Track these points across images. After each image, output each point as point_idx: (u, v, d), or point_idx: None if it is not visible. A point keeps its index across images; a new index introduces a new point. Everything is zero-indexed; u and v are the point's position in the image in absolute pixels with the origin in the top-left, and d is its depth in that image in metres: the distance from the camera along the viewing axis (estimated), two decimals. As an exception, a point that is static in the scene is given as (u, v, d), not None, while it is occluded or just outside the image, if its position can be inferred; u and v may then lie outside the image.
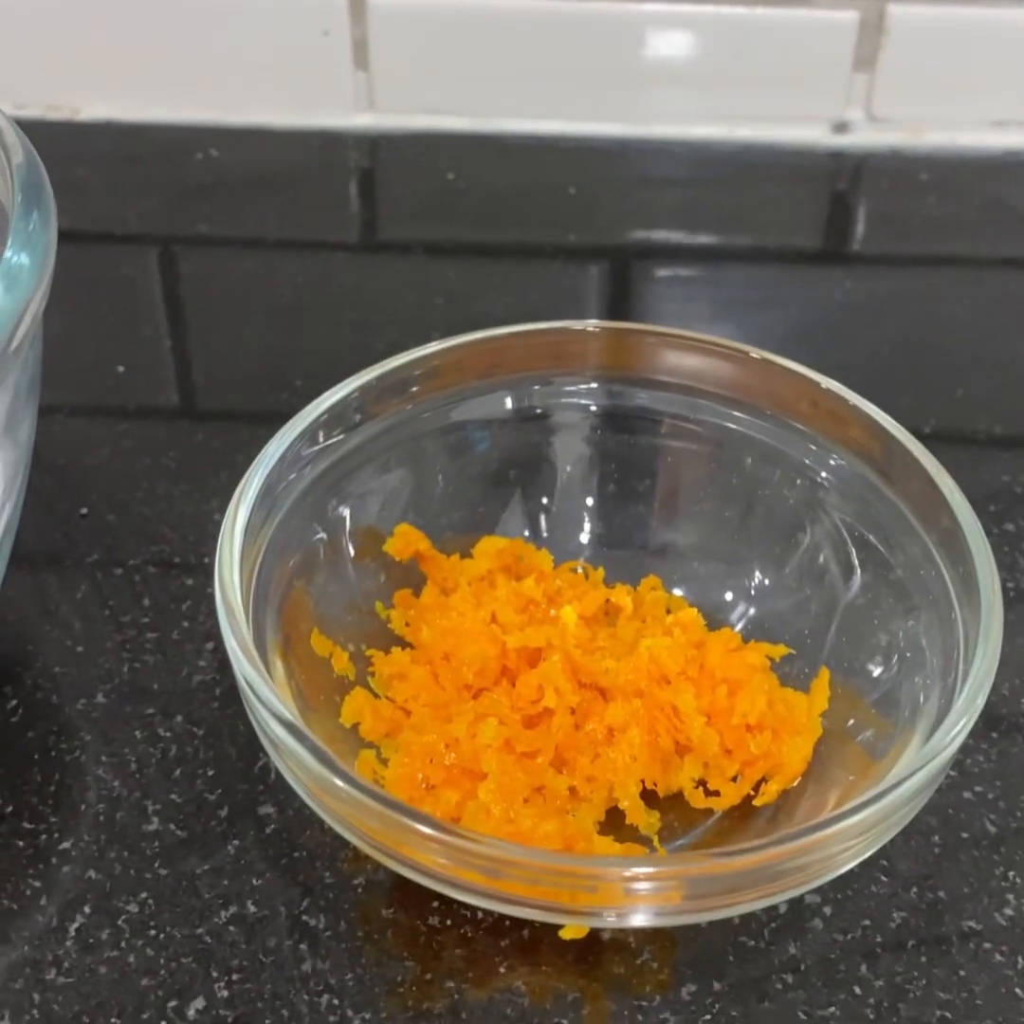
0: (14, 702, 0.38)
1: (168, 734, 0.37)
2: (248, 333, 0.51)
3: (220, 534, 0.33)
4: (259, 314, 0.52)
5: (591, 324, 0.38)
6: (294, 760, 0.30)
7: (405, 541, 0.38)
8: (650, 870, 0.29)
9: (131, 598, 0.40)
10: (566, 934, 0.31)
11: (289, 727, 0.30)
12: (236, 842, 0.35)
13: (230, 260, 0.55)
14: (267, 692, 0.30)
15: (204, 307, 0.53)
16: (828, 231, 0.59)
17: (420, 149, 0.61)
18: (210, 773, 0.36)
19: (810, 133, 0.61)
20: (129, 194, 0.58)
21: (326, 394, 0.36)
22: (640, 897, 0.29)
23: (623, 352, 0.38)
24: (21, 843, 0.35)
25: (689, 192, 0.60)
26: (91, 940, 0.33)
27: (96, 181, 0.59)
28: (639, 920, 0.30)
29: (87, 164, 0.60)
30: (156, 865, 0.34)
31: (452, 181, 0.59)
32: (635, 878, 0.29)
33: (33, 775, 0.36)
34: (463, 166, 0.60)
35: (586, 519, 0.39)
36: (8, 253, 0.30)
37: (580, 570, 0.39)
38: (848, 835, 0.29)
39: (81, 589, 0.41)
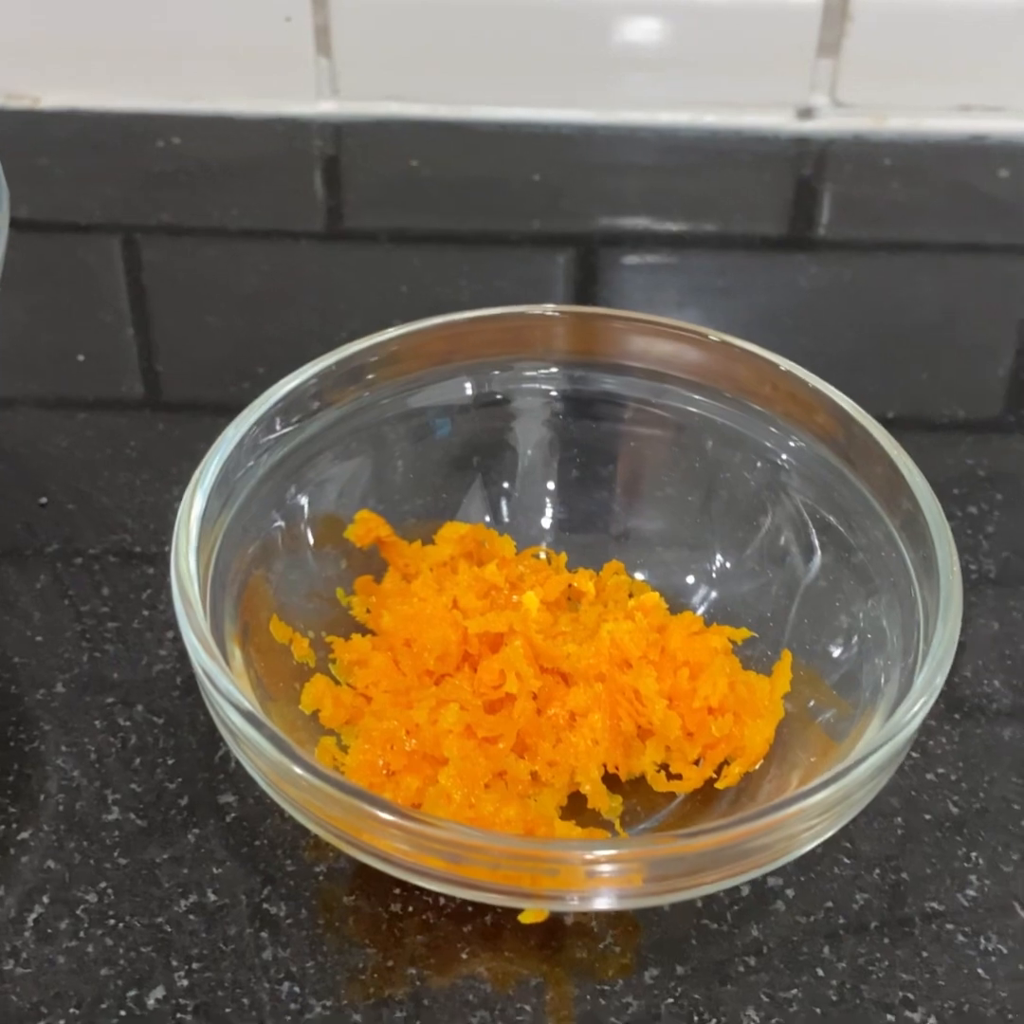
0: (-28, 693, 0.37)
1: (128, 723, 0.37)
2: (211, 322, 0.51)
3: (176, 522, 0.33)
4: (222, 303, 0.52)
5: (550, 309, 0.38)
6: (253, 748, 0.30)
7: (366, 528, 0.37)
8: (611, 852, 0.29)
9: (91, 587, 0.40)
10: (526, 918, 0.31)
11: (247, 715, 0.30)
12: (196, 831, 0.34)
13: (193, 248, 0.55)
14: (224, 681, 0.30)
15: (167, 296, 0.53)
16: (793, 217, 0.59)
17: (384, 136, 0.60)
18: (170, 762, 0.36)
19: (775, 119, 0.61)
20: (91, 183, 0.58)
21: (284, 381, 0.36)
22: (602, 880, 0.29)
23: (582, 336, 0.38)
24: (-22, 834, 0.34)
25: (655, 178, 0.60)
26: (49, 930, 0.32)
27: (58, 170, 0.59)
28: (602, 903, 0.30)
29: (48, 153, 0.59)
30: (116, 855, 0.34)
31: (416, 168, 0.59)
32: (597, 861, 0.29)
33: (-9, 766, 0.36)
34: (427, 153, 0.60)
35: (548, 504, 0.39)
36: None
37: (543, 555, 0.39)
38: (809, 814, 0.29)
39: (41, 579, 0.40)
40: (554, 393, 0.38)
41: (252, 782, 0.35)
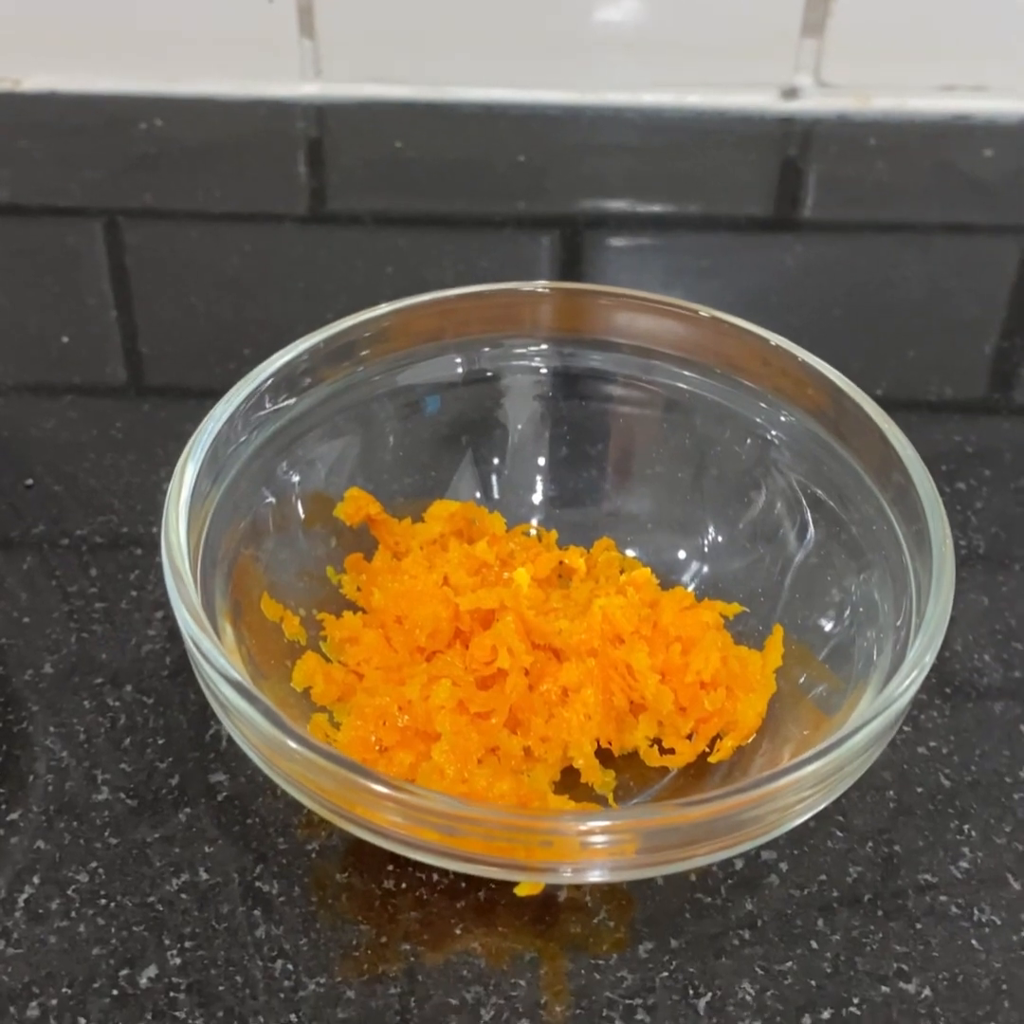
0: (-41, 674, 0.37)
1: (117, 704, 0.36)
2: (195, 304, 0.51)
3: (167, 497, 0.33)
4: (206, 285, 0.52)
5: (540, 285, 0.38)
6: (245, 723, 0.30)
7: (356, 505, 0.37)
8: (605, 823, 0.29)
9: (78, 568, 0.40)
10: (521, 891, 0.31)
11: (239, 689, 0.29)
12: (187, 810, 0.34)
13: (176, 231, 0.55)
14: (216, 654, 0.30)
15: (150, 278, 0.52)
16: (778, 197, 0.59)
17: (368, 118, 0.60)
18: (160, 742, 0.36)
19: (760, 99, 0.61)
20: (73, 165, 0.57)
21: (274, 357, 0.36)
22: (596, 851, 0.29)
23: (572, 313, 0.37)
24: (-33, 815, 0.34)
25: (640, 159, 0.59)
26: (41, 910, 0.32)
27: (39, 152, 0.58)
28: (595, 875, 0.30)
29: (30, 135, 0.59)
30: (106, 835, 0.34)
31: (401, 150, 0.59)
32: (590, 832, 0.29)
33: (-21, 747, 0.35)
34: (412, 135, 0.60)
35: (538, 481, 0.39)
36: None
37: (533, 532, 0.39)
38: (802, 786, 0.29)
39: (27, 560, 0.40)
40: (544, 370, 0.38)
41: (243, 761, 0.35)
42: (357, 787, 0.28)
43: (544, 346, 0.38)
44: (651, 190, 0.58)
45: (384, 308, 0.37)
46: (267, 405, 0.35)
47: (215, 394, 0.36)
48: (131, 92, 0.60)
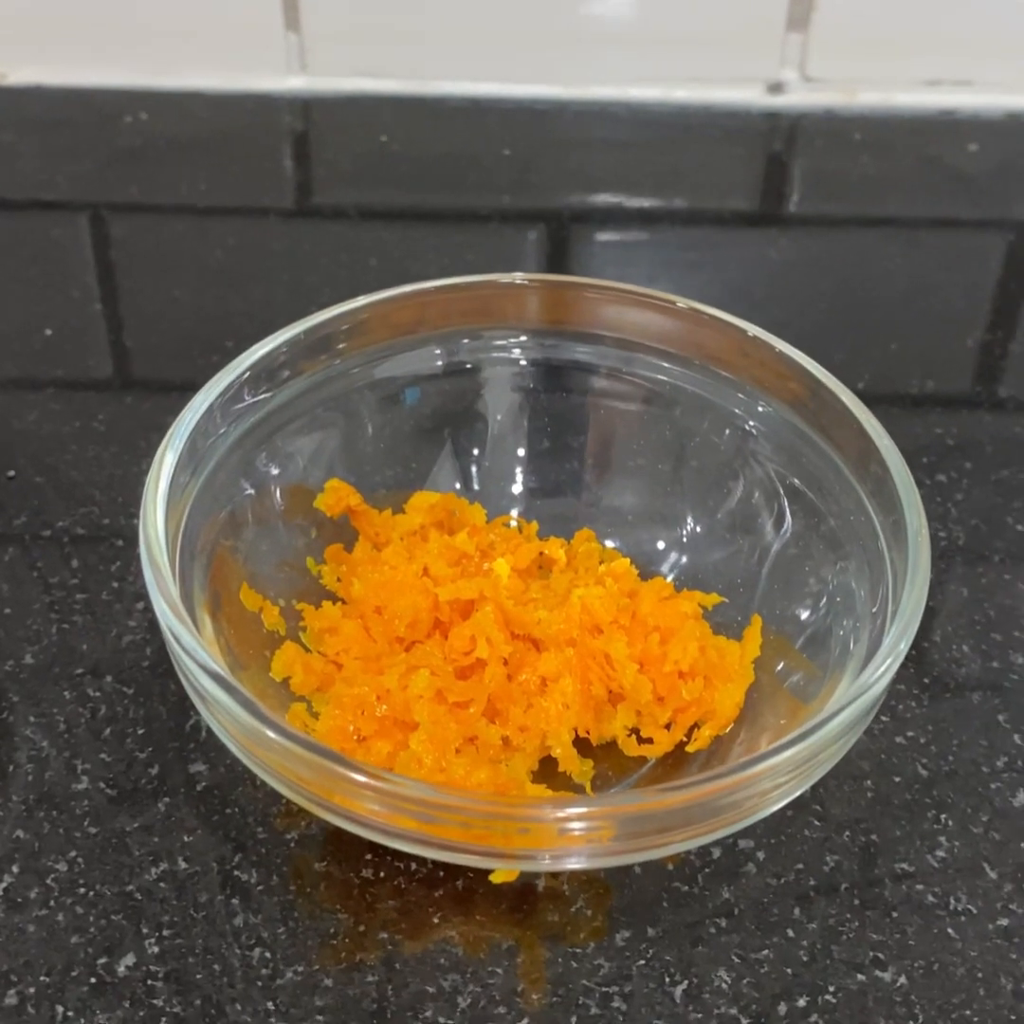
0: (-60, 665, 0.37)
1: (98, 694, 0.37)
2: (179, 296, 0.51)
3: (145, 488, 0.33)
4: (190, 278, 0.52)
5: (519, 277, 0.38)
6: (224, 713, 0.30)
7: (336, 497, 0.37)
8: (582, 810, 0.29)
9: (60, 560, 0.40)
10: (496, 878, 0.31)
11: (217, 679, 0.30)
12: (167, 800, 0.34)
13: (161, 224, 0.55)
14: (195, 645, 0.30)
15: (135, 271, 0.52)
16: (764, 191, 0.59)
17: (353, 112, 0.60)
18: (140, 732, 0.36)
19: (745, 94, 0.61)
20: (58, 158, 0.57)
21: (253, 349, 0.36)
22: (573, 838, 0.29)
23: (552, 305, 0.37)
24: (-53, 805, 0.34)
25: (626, 153, 0.59)
26: (19, 899, 0.32)
27: (24, 146, 0.58)
28: (573, 863, 0.30)
29: (15, 128, 0.59)
30: (86, 824, 0.34)
31: (386, 143, 0.59)
32: (568, 818, 0.29)
33: (-41, 737, 0.35)
34: (397, 129, 0.60)
35: (519, 473, 0.39)
36: None
37: (514, 524, 0.39)
38: (778, 771, 0.29)
39: (9, 552, 0.40)
40: (524, 362, 0.38)
41: (223, 751, 0.35)
42: (335, 776, 0.28)
43: (524, 338, 0.38)
44: (637, 184, 0.58)
45: (363, 300, 0.37)
46: (246, 397, 0.35)
47: (198, 387, 0.36)
48: (117, 85, 0.60)
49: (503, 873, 0.31)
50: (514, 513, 0.39)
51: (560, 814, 0.29)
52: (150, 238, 0.54)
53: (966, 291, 0.53)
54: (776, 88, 0.61)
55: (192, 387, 0.37)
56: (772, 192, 0.59)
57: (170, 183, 0.56)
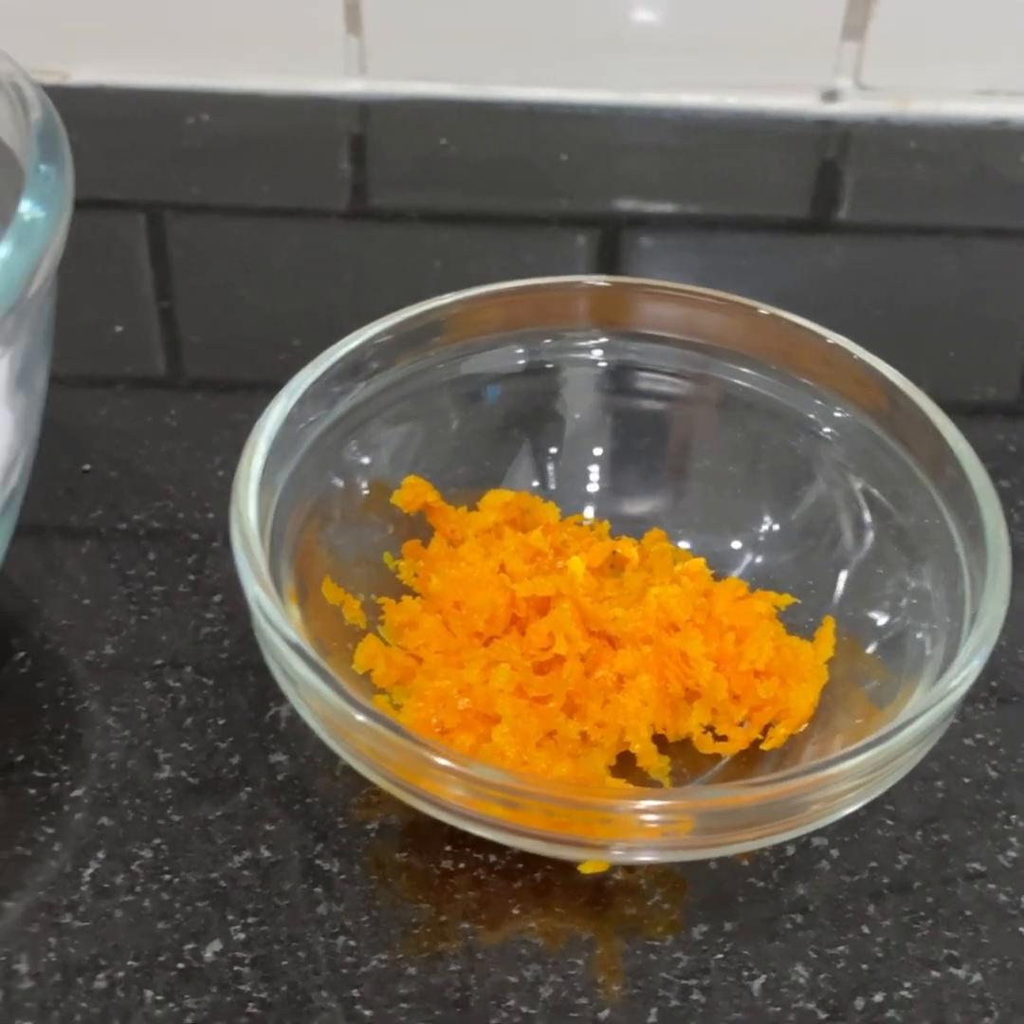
0: (22, 654, 0.38)
1: (177, 685, 0.37)
2: (243, 296, 0.51)
3: (236, 476, 0.33)
4: (254, 278, 0.52)
5: (602, 279, 0.38)
6: (315, 697, 0.30)
7: (414, 493, 0.38)
8: (663, 803, 0.29)
9: (136, 552, 0.41)
10: (586, 869, 0.32)
11: (310, 663, 0.30)
12: (248, 789, 0.35)
13: (222, 224, 0.55)
14: (288, 628, 0.30)
15: (198, 271, 0.53)
16: (817, 199, 0.60)
17: (412, 115, 0.61)
18: (220, 722, 0.36)
19: (799, 101, 0.61)
20: (120, 158, 0.58)
21: (342, 342, 0.36)
22: (652, 830, 0.30)
23: (633, 308, 0.38)
24: (33, 791, 0.35)
25: (679, 159, 0.60)
26: (106, 885, 0.33)
27: (86, 145, 0.58)
28: (650, 855, 0.31)
29: (77, 128, 0.58)
30: (169, 811, 0.34)
31: (444, 146, 0.59)
32: (649, 810, 0.29)
33: (43, 724, 0.36)
34: (455, 132, 0.60)
35: (593, 472, 0.40)
36: (24, 205, 0.31)
37: (586, 523, 0.39)
38: (854, 774, 0.30)
39: (86, 544, 0.41)
40: (603, 363, 0.39)
41: (302, 742, 0.36)
42: (424, 761, 0.29)
43: (604, 339, 0.39)
44: (690, 191, 0.59)
45: (449, 298, 0.37)
46: (334, 389, 0.36)
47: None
48: (179, 86, 0.60)
49: (593, 864, 0.32)
50: (588, 512, 0.39)
51: (640, 805, 0.29)
52: (211, 238, 0.55)
53: (1021, 300, 0.53)
54: (830, 96, 0.61)
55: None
56: (825, 199, 0.59)
57: (231, 183, 0.57)
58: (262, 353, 0.48)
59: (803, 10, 0.59)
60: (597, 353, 0.39)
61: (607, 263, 0.56)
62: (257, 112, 0.60)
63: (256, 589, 0.31)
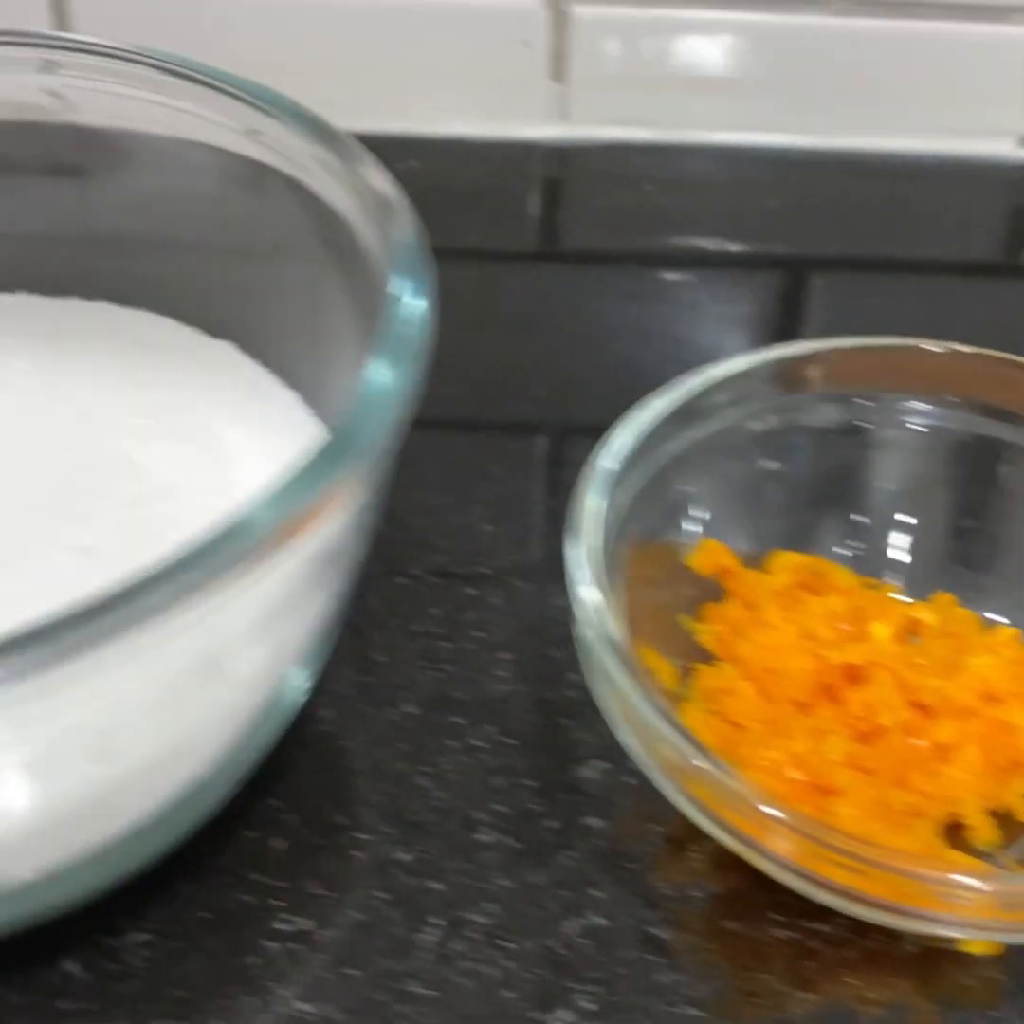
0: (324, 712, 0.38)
1: (481, 744, 0.37)
2: (478, 343, 0.51)
3: (572, 516, 0.34)
4: (482, 326, 0.52)
5: (937, 345, 0.39)
6: (667, 745, 0.31)
7: (710, 556, 0.38)
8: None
9: (418, 608, 0.41)
10: (973, 948, 0.32)
11: (662, 714, 0.31)
12: (570, 854, 0.35)
13: (444, 271, 0.56)
14: (641, 676, 0.31)
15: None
16: (1011, 244, 0.60)
17: (611, 159, 0.61)
18: (530, 785, 0.36)
19: (996, 146, 0.62)
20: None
21: (659, 390, 0.37)
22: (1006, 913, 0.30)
23: (964, 376, 0.38)
24: (358, 854, 0.35)
25: (877, 204, 0.60)
26: (445, 952, 0.33)
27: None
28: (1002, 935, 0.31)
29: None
30: (495, 877, 0.34)
31: (647, 192, 0.60)
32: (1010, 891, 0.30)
33: (358, 786, 0.36)
34: (654, 177, 0.60)
35: (890, 537, 0.40)
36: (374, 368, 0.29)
37: (880, 587, 0.39)
38: None
39: (371, 598, 0.41)
40: (925, 429, 0.39)
41: (615, 805, 0.36)
42: (768, 816, 0.30)
43: (925, 406, 0.39)
44: (885, 235, 0.59)
45: (773, 352, 0.38)
46: (655, 439, 0.36)
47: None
48: (391, 132, 0.61)
49: (982, 944, 0.32)
50: (883, 577, 0.39)
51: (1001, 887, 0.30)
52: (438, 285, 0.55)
53: None
54: (1029, 142, 0.61)
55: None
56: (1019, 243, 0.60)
57: (444, 228, 0.57)
58: (503, 402, 0.49)
59: (996, 58, 0.59)
60: (916, 419, 0.39)
61: (793, 307, 0.56)
62: (461, 158, 0.61)
63: (609, 634, 0.32)
